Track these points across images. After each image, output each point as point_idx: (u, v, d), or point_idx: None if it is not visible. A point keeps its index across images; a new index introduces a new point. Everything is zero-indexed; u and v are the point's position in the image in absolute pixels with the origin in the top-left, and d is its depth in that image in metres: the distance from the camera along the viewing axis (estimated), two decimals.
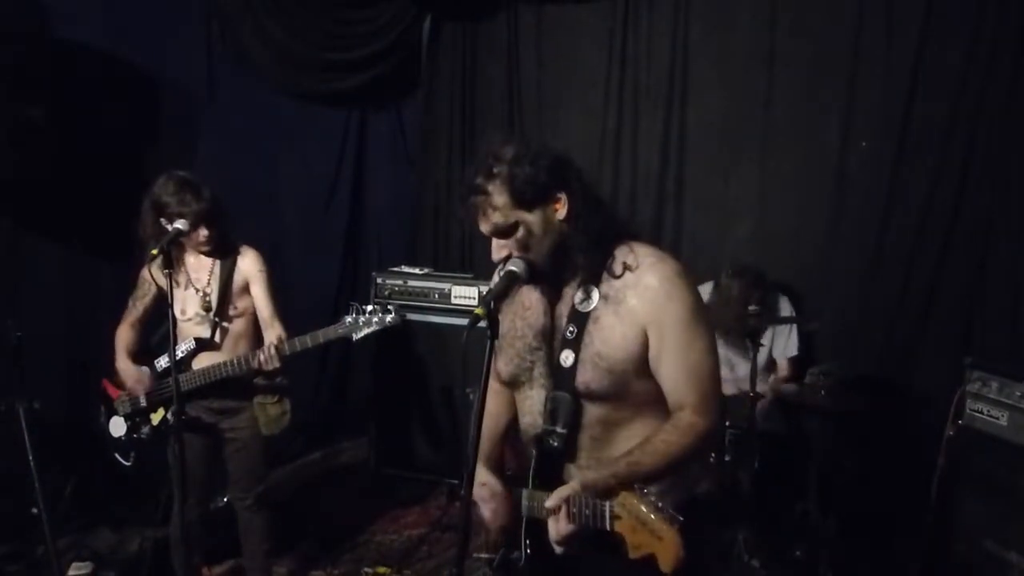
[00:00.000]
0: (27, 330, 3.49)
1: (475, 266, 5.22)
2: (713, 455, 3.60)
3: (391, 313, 3.10)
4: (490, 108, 5.33)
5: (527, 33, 5.14)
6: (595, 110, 4.94)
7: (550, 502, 1.79)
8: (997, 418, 3.23)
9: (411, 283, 4.71)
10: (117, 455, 3.26)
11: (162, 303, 3.16)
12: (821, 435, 3.79)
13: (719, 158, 4.65)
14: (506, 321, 2.01)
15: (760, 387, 3.77)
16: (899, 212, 4.18)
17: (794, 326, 4.09)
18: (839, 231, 4.35)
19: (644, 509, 1.65)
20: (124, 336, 3.23)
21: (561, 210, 1.86)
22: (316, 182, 5.33)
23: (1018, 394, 3.16)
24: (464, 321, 4.41)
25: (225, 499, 3.60)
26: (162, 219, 2.96)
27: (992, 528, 3.19)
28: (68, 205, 3.85)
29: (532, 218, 1.84)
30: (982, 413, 3.29)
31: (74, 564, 3.56)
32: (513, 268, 1.82)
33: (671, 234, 4.75)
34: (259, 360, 3.02)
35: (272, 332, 3.14)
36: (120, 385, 3.23)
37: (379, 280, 4.76)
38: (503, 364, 2.04)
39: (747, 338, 3.66)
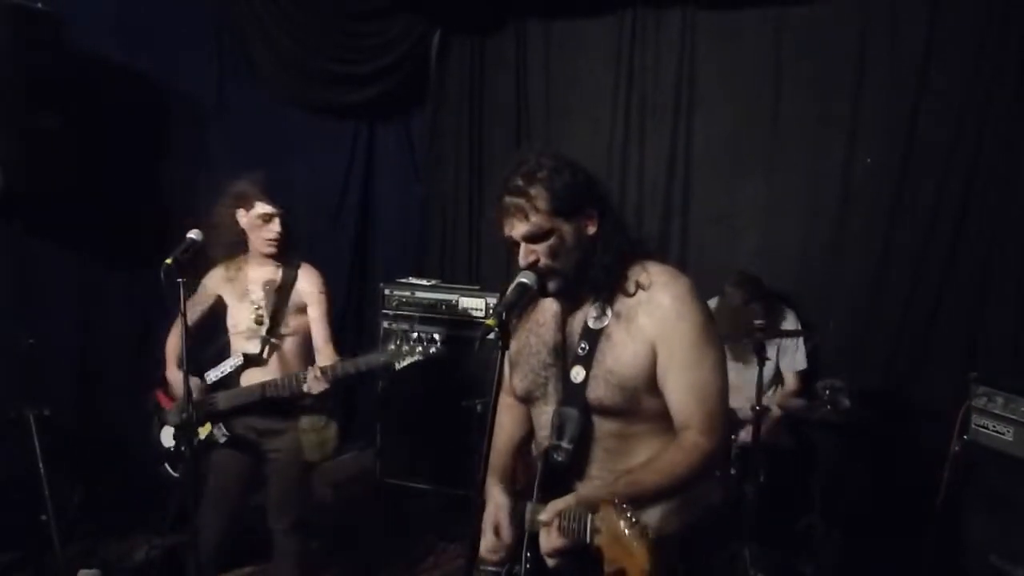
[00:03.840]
0: (38, 338, 3.53)
1: (482, 278, 5.25)
2: (719, 472, 3.60)
3: (436, 344, 3.02)
4: (498, 122, 5.36)
5: (535, 48, 5.18)
6: (602, 124, 4.96)
7: (544, 515, 1.79)
8: (1002, 433, 3.24)
9: (418, 294, 4.73)
10: (167, 465, 3.17)
11: (219, 315, 3.18)
12: (826, 449, 3.80)
13: (725, 172, 4.67)
14: (520, 338, 2.04)
15: (766, 401, 3.79)
16: (904, 226, 4.20)
17: (801, 339, 4.10)
18: (844, 245, 4.36)
19: (621, 524, 1.62)
20: (174, 345, 3.17)
21: (591, 227, 1.89)
22: (324, 194, 5.35)
23: (1023, 410, 3.17)
24: (471, 332, 4.48)
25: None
26: (240, 209, 3.01)
27: (997, 543, 3.20)
28: (80, 214, 3.88)
29: (567, 228, 1.86)
30: (987, 428, 3.30)
31: (82, 571, 3.57)
32: (524, 280, 1.83)
33: (677, 247, 4.77)
34: (306, 381, 2.96)
35: (324, 357, 3.09)
36: (173, 396, 3.18)
37: (387, 291, 4.78)
38: (518, 380, 2.05)
39: (753, 352, 3.68)
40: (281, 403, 3.07)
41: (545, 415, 2.02)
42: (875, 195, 4.27)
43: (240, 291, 3.11)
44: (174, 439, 3.15)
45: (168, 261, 2.60)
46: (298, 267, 3.16)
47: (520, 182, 1.85)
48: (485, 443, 1.75)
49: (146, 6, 4.23)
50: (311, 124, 5.17)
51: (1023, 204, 3.91)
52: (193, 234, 2.73)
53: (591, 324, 1.92)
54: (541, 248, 1.86)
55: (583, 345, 1.91)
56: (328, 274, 5.24)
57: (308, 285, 3.16)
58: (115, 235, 4.03)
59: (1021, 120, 3.89)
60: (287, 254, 3.13)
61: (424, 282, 4.84)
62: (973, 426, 3.35)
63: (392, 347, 3.02)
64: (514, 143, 5.26)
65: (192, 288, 3.09)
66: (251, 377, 3.08)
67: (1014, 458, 3.18)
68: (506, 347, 1.75)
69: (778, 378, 4.15)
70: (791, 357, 4.11)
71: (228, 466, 3.13)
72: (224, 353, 3.18)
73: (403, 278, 4.94)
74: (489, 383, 1.73)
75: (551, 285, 1.89)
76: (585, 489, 1.85)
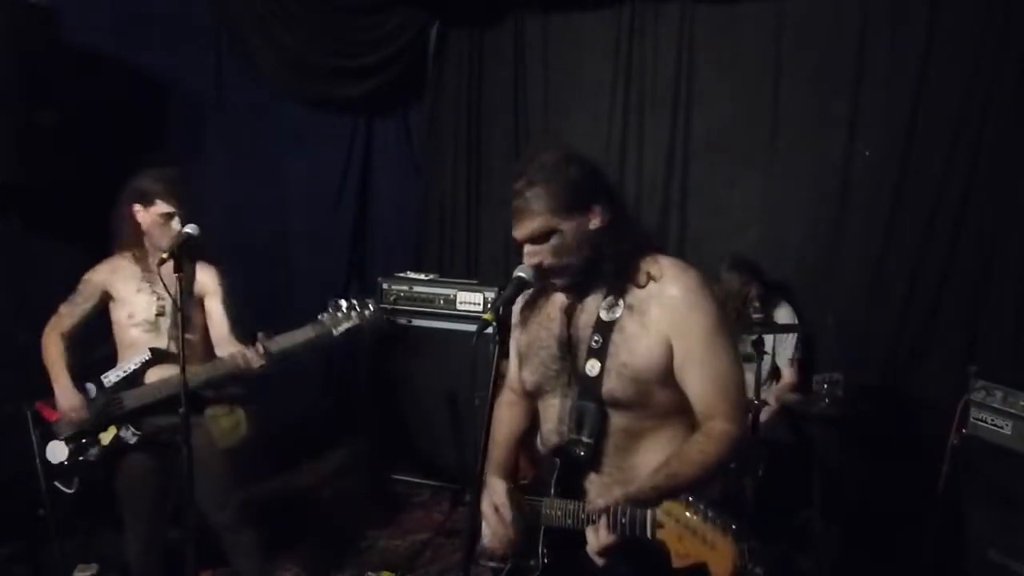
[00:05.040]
0: (35, 332, 3.51)
1: (480, 272, 5.24)
2: None
3: (369, 308, 3.01)
4: (496, 115, 5.35)
5: (533, 41, 5.16)
6: (601, 118, 4.95)
7: (593, 507, 1.79)
8: (1001, 427, 3.24)
9: (416, 289, 4.73)
10: (57, 484, 3.01)
11: (103, 314, 3.08)
12: (825, 443, 3.79)
13: (724, 166, 4.67)
14: (531, 331, 2.05)
15: (764, 394, 3.78)
16: (904, 221, 4.20)
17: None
18: (844, 239, 4.36)
19: (693, 517, 1.64)
20: (57, 348, 3.02)
21: (595, 220, 1.88)
22: (323, 188, 5.35)
23: (1022, 403, 3.17)
24: (469, 327, 4.48)
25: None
26: (136, 205, 2.94)
27: (997, 537, 3.20)
28: (76, 209, 3.87)
29: (567, 226, 1.85)
30: (986, 422, 3.30)
31: (79, 566, 3.57)
32: (521, 274, 1.84)
33: (676, 242, 4.76)
34: (244, 359, 2.88)
35: (227, 347, 3.00)
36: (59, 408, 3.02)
37: (384, 286, 4.78)
38: (528, 374, 2.06)
39: (751, 346, 3.68)
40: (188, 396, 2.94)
41: (553, 408, 2.02)
42: (875, 189, 4.26)
43: (136, 283, 3.02)
44: (68, 452, 2.98)
45: (164, 255, 2.58)
46: (195, 263, 3.08)
47: (519, 185, 1.86)
48: (482, 439, 1.75)
49: (144, 1, 4.22)
50: (309, 119, 5.16)
51: (1023, 198, 3.91)
52: (190, 228, 2.71)
53: (603, 316, 1.91)
54: (544, 249, 1.87)
55: (596, 338, 1.91)
56: (326, 268, 5.33)
57: (207, 279, 3.10)
58: (111, 230, 4.01)
59: (1021, 113, 3.88)
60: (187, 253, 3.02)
61: (422, 276, 4.84)
62: (972, 420, 3.35)
63: (325, 316, 3.00)
64: (512, 137, 5.26)
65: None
66: (158, 372, 2.97)
67: (1013, 452, 3.17)
68: (503, 341, 1.75)
69: (775, 371, 4.14)
70: (786, 348, 4.11)
71: (139, 469, 3.00)
72: (114, 352, 3.09)
73: (401, 272, 4.94)
74: (487, 377, 1.73)
75: (557, 282, 1.91)
76: (605, 482, 1.85)
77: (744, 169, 4.60)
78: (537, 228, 1.85)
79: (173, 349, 2.98)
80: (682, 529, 1.65)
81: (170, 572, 3.17)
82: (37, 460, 3.23)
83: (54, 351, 3.05)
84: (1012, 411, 3.20)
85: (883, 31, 4.19)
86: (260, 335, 2.95)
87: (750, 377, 3.69)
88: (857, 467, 3.97)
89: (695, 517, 1.63)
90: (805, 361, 4.15)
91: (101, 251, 3.16)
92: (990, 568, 3.20)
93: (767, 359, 3.91)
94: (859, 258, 4.32)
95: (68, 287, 4.05)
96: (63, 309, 3.12)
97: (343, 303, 3.01)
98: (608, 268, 1.90)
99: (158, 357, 2.99)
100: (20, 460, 3.32)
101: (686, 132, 4.73)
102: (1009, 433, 3.20)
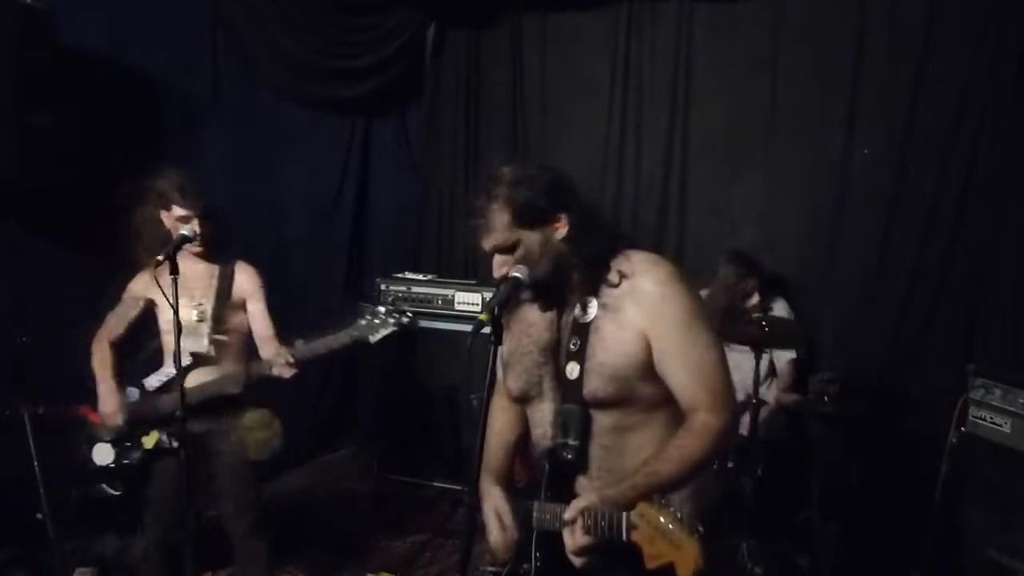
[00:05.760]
0: (32, 335, 3.51)
1: (478, 272, 5.24)
2: (716, 462, 3.60)
3: (405, 314, 3.00)
4: (494, 116, 5.35)
5: (531, 41, 5.16)
6: (599, 117, 4.95)
7: (568, 513, 1.79)
8: (1000, 425, 3.23)
9: (415, 289, 4.73)
10: (104, 486, 3.08)
11: (149, 320, 3.10)
12: (824, 442, 3.79)
13: (722, 165, 4.66)
14: (512, 339, 2.05)
15: (763, 394, 3.78)
16: (902, 218, 4.20)
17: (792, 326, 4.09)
18: (842, 237, 4.36)
19: (663, 519, 1.65)
20: (106, 355, 3.10)
21: (561, 230, 1.90)
22: (321, 189, 5.34)
23: (1021, 401, 3.17)
24: (467, 327, 4.47)
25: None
26: (162, 211, 2.93)
27: (996, 535, 3.20)
28: (73, 211, 3.86)
29: (532, 237, 1.88)
30: (985, 420, 3.30)
31: (79, 569, 3.56)
32: (517, 274, 1.84)
33: (674, 241, 4.76)
34: (274, 368, 2.90)
35: (269, 350, 3.01)
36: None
37: (383, 286, 4.78)
38: (512, 381, 2.06)
39: (749, 346, 3.67)
40: (224, 402, 2.98)
41: (540, 413, 2.02)
42: (873, 187, 4.26)
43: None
44: (114, 453, 3.04)
45: (160, 258, 2.58)
46: (233, 264, 3.10)
47: (480, 201, 1.90)
48: (478, 440, 1.75)
49: (140, 2, 4.21)
50: (308, 120, 5.15)
51: (1022, 195, 3.91)
52: (185, 231, 2.71)
53: (579, 319, 1.92)
54: (511, 259, 1.89)
55: (574, 341, 1.92)
56: (325, 269, 5.33)
57: (247, 281, 3.10)
58: (108, 232, 4.00)
59: (1020, 110, 3.88)
60: (217, 252, 3.06)
61: (420, 276, 4.84)
62: (971, 418, 3.35)
63: (363, 322, 2.97)
64: (510, 137, 5.26)
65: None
66: (198, 376, 2.98)
67: (1012, 450, 3.17)
68: (499, 342, 1.74)
69: (772, 370, 4.13)
70: (787, 350, 4.10)
71: (172, 472, 3.00)
72: (158, 357, 3.11)
73: (399, 272, 4.94)
74: (482, 376, 1.73)
75: (524, 293, 1.90)
76: (604, 489, 1.84)
77: (742, 168, 4.60)
78: (501, 242, 1.88)
79: (213, 353, 3.02)
80: (653, 531, 1.67)
81: (170, 574, 3.15)
82: (35, 463, 3.24)
83: (100, 356, 3.12)
84: (1011, 409, 3.20)
85: (881, 30, 4.19)
86: (298, 342, 2.96)
87: (750, 377, 3.69)
88: (856, 466, 3.97)
89: (665, 519, 1.66)
90: (803, 360, 4.13)
91: (97, 252, 3.16)
92: (989, 566, 3.20)
93: (766, 358, 3.90)
94: (858, 256, 4.31)
95: (65, 289, 4.07)
96: (109, 318, 3.15)
97: (381, 309, 2.98)
98: (577, 275, 1.91)
99: (199, 361, 3.00)
100: (19, 462, 3.32)
101: (684, 131, 4.73)
102: (1008, 431, 3.20)
